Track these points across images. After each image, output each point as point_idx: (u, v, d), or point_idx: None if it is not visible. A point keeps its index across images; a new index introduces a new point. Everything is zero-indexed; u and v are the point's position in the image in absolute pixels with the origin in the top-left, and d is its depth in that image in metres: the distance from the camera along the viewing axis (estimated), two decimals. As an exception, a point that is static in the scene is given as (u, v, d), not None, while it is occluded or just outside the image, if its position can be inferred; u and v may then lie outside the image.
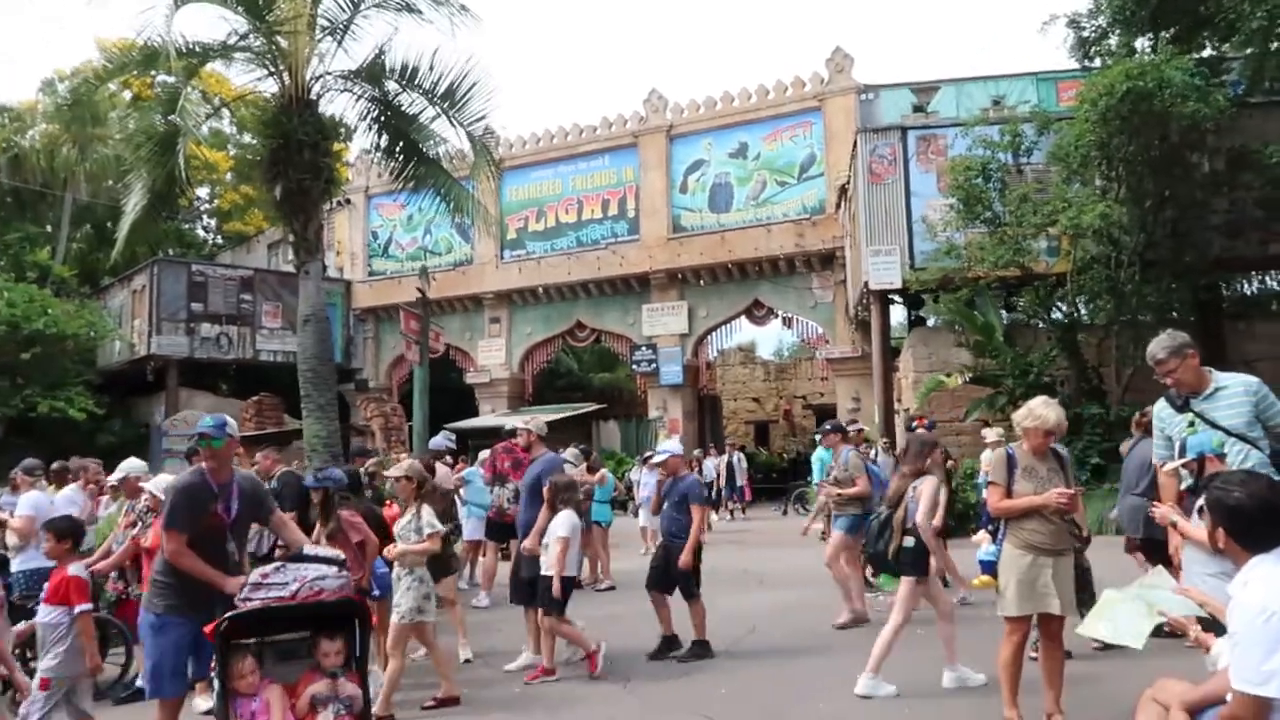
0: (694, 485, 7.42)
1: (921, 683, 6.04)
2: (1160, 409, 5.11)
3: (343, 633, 4.01)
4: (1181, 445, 4.73)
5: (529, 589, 7.04)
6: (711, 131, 24.45)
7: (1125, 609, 3.82)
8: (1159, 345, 4.99)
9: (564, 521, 6.69)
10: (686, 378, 24.86)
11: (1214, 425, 4.76)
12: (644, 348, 25.04)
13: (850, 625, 7.90)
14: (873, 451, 12.41)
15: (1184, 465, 4.51)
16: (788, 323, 24.61)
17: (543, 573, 6.70)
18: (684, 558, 6.95)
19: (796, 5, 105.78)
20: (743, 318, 24.95)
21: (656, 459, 7.87)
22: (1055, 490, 4.87)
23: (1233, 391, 4.80)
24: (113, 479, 7.79)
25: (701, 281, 24.58)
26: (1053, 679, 4.98)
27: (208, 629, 3.94)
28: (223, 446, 4.69)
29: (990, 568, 5.15)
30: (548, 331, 26.94)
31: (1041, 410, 5.04)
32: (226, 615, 3.92)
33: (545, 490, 6.95)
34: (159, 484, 6.59)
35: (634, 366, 25.85)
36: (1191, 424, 4.76)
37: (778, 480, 26.44)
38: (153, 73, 11.74)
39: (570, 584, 6.81)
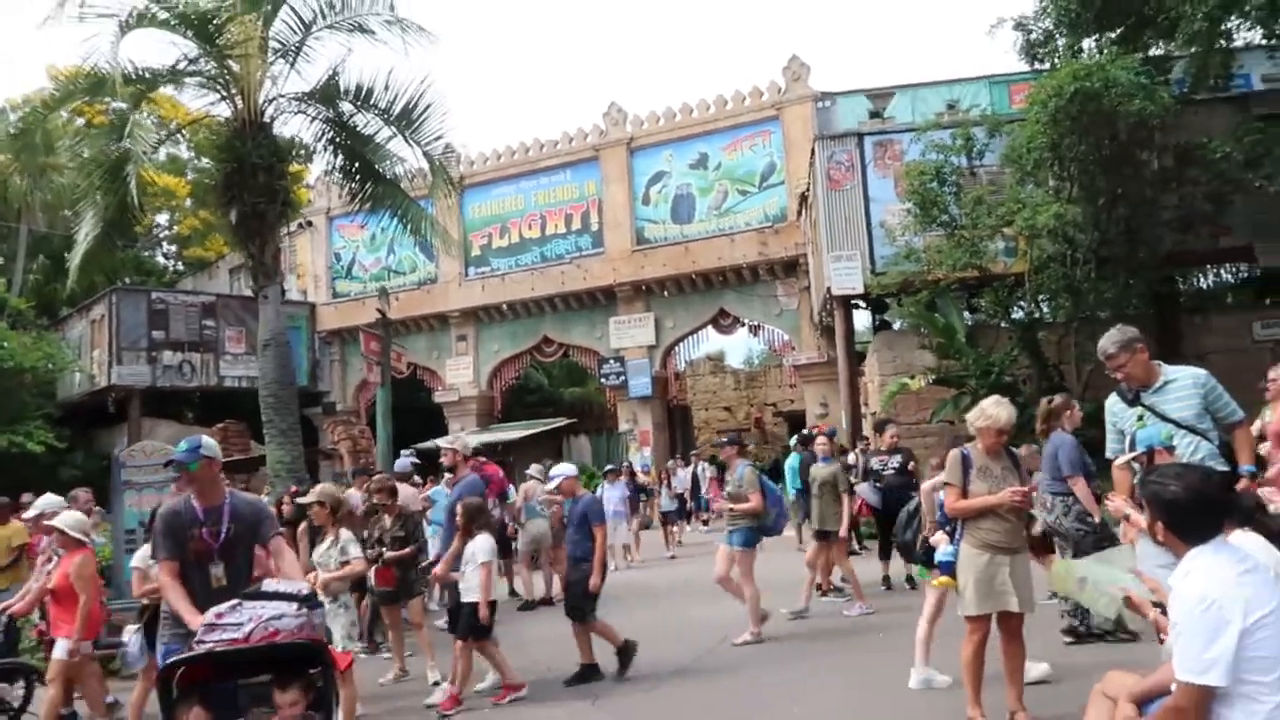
0: (592, 504, 7.30)
1: (886, 684, 6.07)
2: (1112, 403, 5.19)
3: (301, 679, 3.64)
4: (1131, 439, 4.80)
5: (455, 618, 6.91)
6: (672, 143, 24.55)
7: (1096, 570, 3.85)
8: (1109, 340, 5.07)
9: (484, 546, 6.59)
10: (655, 389, 24.86)
11: (1164, 418, 4.83)
12: (612, 361, 25.02)
13: (752, 641, 7.74)
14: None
15: (1134, 459, 4.57)
16: (754, 331, 24.73)
17: (464, 599, 6.58)
18: (594, 580, 6.87)
19: (752, 16, 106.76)
20: (709, 327, 25.02)
21: (550, 484, 7.70)
22: (1009, 489, 4.92)
23: (1182, 384, 4.89)
24: (27, 515, 7.65)
25: (666, 293, 24.62)
26: (1014, 676, 5.02)
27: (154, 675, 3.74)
28: (199, 469, 4.56)
29: (949, 568, 5.17)
30: (515, 348, 26.85)
31: (993, 410, 5.10)
32: (170, 661, 3.71)
33: (458, 514, 6.81)
34: (66, 520, 6.46)
35: (602, 380, 25.83)
36: (1141, 418, 4.84)
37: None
38: (107, 100, 11.60)
39: (492, 609, 6.65)
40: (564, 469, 7.66)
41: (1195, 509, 2.69)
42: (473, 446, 8.18)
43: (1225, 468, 4.82)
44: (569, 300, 25.59)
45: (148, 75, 10.56)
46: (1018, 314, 15.86)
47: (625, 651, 7.02)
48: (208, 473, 4.60)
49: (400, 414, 23.56)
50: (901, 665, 6.08)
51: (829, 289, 17.32)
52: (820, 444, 9.50)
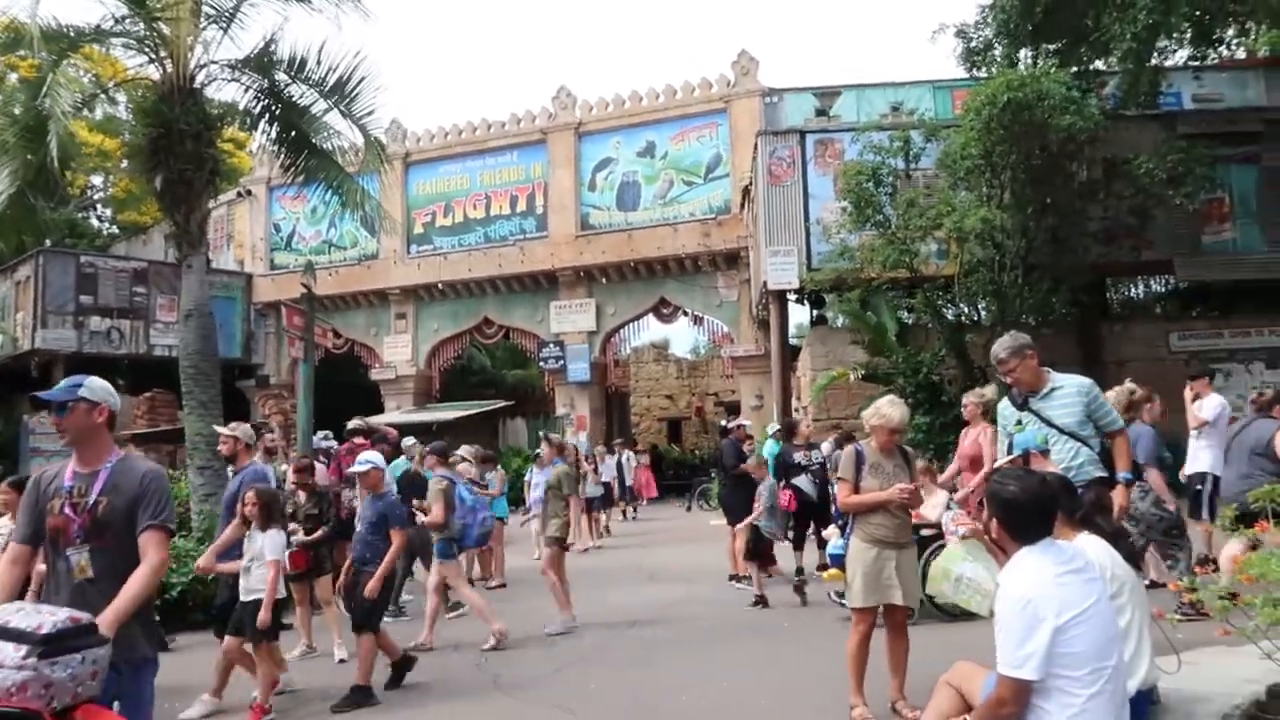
0: (395, 505, 6.62)
1: (784, 672, 6.22)
2: (1003, 407, 5.38)
3: None
4: (1010, 442, 4.98)
5: (225, 617, 6.34)
6: (620, 130, 24.53)
7: (970, 568, 3.98)
8: (1000, 346, 5.26)
9: (275, 542, 6.03)
10: (594, 375, 24.90)
11: (1049, 423, 5.02)
12: (551, 345, 25.01)
13: (421, 649, 7.35)
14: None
15: (1009, 462, 4.74)
16: (696, 321, 24.88)
17: (245, 598, 6.03)
18: (372, 584, 6.17)
19: (704, 7, 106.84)
20: (650, 315, 25.11)
21: (358, 467, 6.82)
22: (898, 486, 5.07)
23: (1067, 391, 5.09)
24: None
25: (607, 279, 24.62)
26: (897, 667, 5.17)
27: None
28: (71, 415, 3.40)
29: (839, 561, 5.33)
30: (455, 328, 26.67)
31: (888, 409, 5.24)
32: None
33: (244, 503, 6.17)
34: None
35: (541, 363, 25.80)
36: (1019, 422, 5.02)
37: (688, 476, 26.72)
38: (43, 55, 11.29)
39: (276, 610, 6.03)
40: (371, 457, 6.83)
41: (1029, 510, 2.83)
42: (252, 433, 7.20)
43: (1103, 473, 5.04)
44: (511, 282, 25.48)
45: (71, 33, 10.26)
46: (952, 315, 16.17)
47: (402, 665, 6.49)
48: (84, 421, 3.42)
49: (337, 390, 23.30)
50: (805, 654, 6.23)
51: (765, 283, 17.51)
52: (543, 450, 9.07)
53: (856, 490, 5.20)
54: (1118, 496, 4.92)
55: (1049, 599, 2.63)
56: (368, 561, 6.39)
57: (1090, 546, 3.14)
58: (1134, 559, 3.32)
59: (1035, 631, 2.61)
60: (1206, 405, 8.12)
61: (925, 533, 7.27)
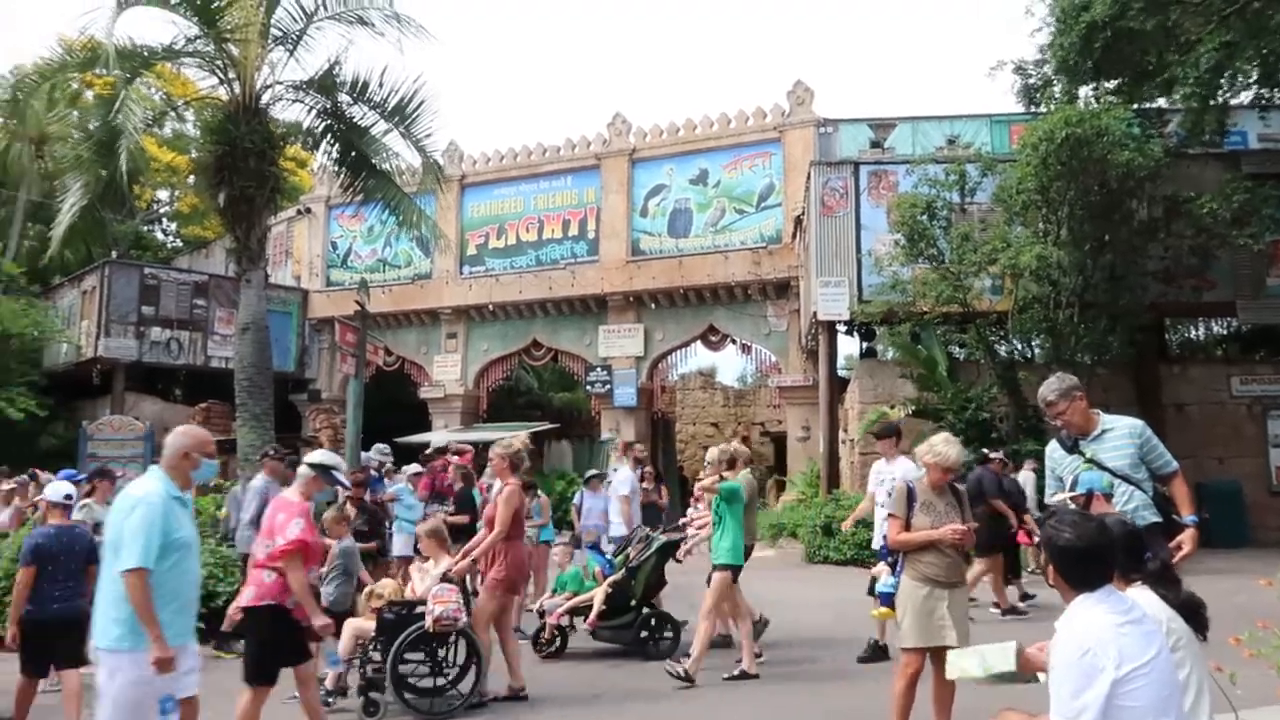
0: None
1: (822, 710, 6.12)
2: (1052, 450, 5.24)
3: None
4: (1074, 480, 4.84)
5: None
6: (673, 157, 24.62)
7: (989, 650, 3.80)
8: (1048, 388, 5.12)
9: None
10: (640, 400, 24.88)
11: (1101, 467, 4.89)
12: (599, 369, 25.06)
13: None
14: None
15: (1072, 498, 4.60)
16: (746, 349, 24.77)
17: None
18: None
19: (760, 36, 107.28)
20: (698, 343, 25.04)
21: (50, 495, 5.83)
22: (949, 525, 4.98)
23: (1118, 434, 4.94)
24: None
25: (657, 305, 24.64)
26: (942, 711, 5.06)
27: None
28: None
29: (889, 599, 5.23)
30: (504, 349, 26.86)
31: (942, 448, 5.16)
32: None
33: None
34: None
35: (588, 387, 25.86)
36: (1089, 460, 4.88)
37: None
38: (118, 72, 11.72)
39: None
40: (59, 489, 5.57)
41: (1085, 557, 2.74)
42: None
43: (1158, 518, 4.87)
44: (561, 305, 25.63)
45: (144, 52, 10.62)
46: (1006, 352, 15.93)
47: None
48: None
49: (388, 408, 23.57)
50: (847, 694, 6.12)
51: (815, 313, 17.41)
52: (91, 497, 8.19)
53: (908, 527, 5.12)
54: (1188, 541, 4.72)
55: (1108, 648, 2.55)
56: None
57: (1144, 599, 3.04)
58: (1198, 619, 3.18)
59: (1094, 682, 2.52)
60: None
61: (420, 609, 6.23)
